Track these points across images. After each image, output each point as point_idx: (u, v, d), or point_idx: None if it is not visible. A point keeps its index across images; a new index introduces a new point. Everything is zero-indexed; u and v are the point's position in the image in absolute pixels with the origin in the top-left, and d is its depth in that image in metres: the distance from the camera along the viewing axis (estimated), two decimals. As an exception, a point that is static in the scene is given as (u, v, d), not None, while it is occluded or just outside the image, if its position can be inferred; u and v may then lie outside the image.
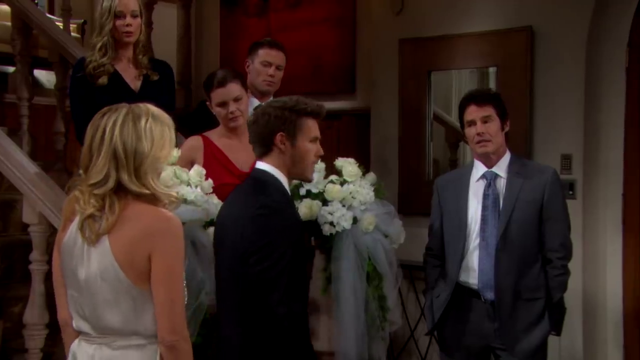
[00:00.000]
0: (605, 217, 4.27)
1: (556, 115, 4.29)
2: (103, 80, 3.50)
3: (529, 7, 4.39)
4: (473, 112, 3.18)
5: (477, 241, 3.22)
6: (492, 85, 5.02)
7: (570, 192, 4.21)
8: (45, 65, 5.46)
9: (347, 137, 5.32)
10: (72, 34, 5.67)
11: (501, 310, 3.18)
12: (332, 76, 5.42)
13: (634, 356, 4.24)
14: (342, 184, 3.53)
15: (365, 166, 3.70)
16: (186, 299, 2.30)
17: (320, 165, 3.57)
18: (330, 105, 5.34)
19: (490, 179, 3.24)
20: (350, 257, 3.45)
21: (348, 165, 3.58)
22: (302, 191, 3.49)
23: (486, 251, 3.19)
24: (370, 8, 5.13)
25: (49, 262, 3.40)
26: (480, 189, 3.25)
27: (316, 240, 3.57)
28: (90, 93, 3.49)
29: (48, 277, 3.42)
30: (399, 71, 4.89)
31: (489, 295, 3.20)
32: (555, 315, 3.24)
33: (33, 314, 3.33)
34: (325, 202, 3.47)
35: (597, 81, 4.22)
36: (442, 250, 3.38)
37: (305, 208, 3.44)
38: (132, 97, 3.44)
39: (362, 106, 5.25)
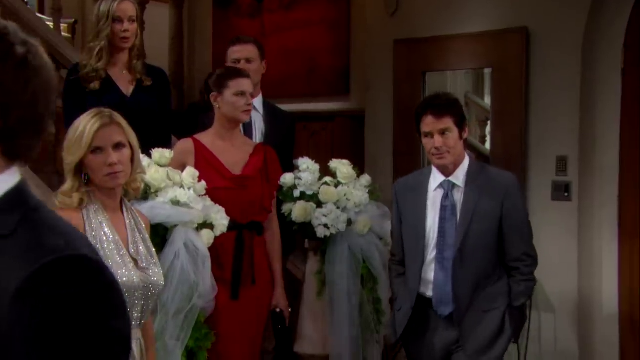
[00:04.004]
0: (600, 219, 4.28)
1: (551, 117, 4.30)
2: (95, 85, 3.51)
3: (525, 8, 4.40)
4: (430, 124, 3.05)
5: (434, 254, 3.12)
6: (487, 86, 5.05)
7: (566, 194, 4.23)
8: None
9: (341, 139, 5.33)
10: (63, 33, 5.66)
11: (460, 324, 3.09)
12: (326, 77, 5.43)
13: (630, 359, 4.25)
14: (336, 185, 3.54)
15: (359, 168, 3.71)
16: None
17: (315, 167, 3.59)
18: (324, 106, 5.45)
19: (447, 189, 3.13)
20: (345, 260, 3.46)
21: (342, 167, 3.59)
22: (297, 193, 3.51)
23: (442, 265, 3.10)
24: (365, 9, 5.14)
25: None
26: (437, 198, 3.14)
27: (310, 242, 3.59)
28: (82, 97, 3.50)
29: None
30: (394, 72, 4.90)
31: (444, 310, 3.11)
32: (516, 323, 3.14)
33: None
34: (319, 204, 3.48)
35: (593, 82, 4.24)
36: (405, 257, 3.28)
37: (299, 210, 3.46)
38: (124, 101, 3.45)
39: (357, 107, 5.26)
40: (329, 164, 3.63)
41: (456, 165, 3.11)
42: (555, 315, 4.26)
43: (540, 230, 4.27)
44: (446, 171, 3.12)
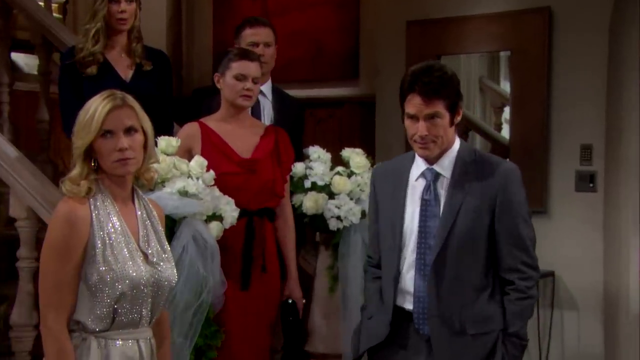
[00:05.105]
0: (627, 210, 4.30)
1: (575, 103, 4.33)
2: (92, 70, 3.52)
3: (547, -14, 4.42)
4: (417, 106, 2.65)
5: (413, 257, 2.73)
6: (503, 70, 5.05)
7: (591, 185, 4.26)
8: (23, 48, 5.45)
9: (350, 127, 5.34)
10: (54, 14, 5.67)
11: (439, 349, 2.68)
12: (333, 61, 5.43)
13: (657, 358, 4.29)
14: (349, 175, 3.55)
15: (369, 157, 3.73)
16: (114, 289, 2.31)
17: (326, 156, 3.60)
18: (331, 92, 5.44)
19: (430, 180, 2.75)
20: (358, 254, 3.47)
21: (356, 156, 3.59)
22: (307, 183, 3.52)
23: (423, 272, 2.71)
24: (375, -12, 5.16)
25: (38, 258, 3.43)
26: (418, 190, 2.77)
27: (322, 235, 3.61)
28: (78, 82, 3.52)
29: (36, 277, 3.45)
30: (406, 56, 4.92)
31: (427, 328, 2.71)
32: (512, 351, 2.69)
33: (21, 314, 3.34)
34: (331, 196, 3.49)
35: (620, 66, 4.26)
36: (381, 259, 2.90)
37: (310, 202, 3.47)
38: (123, 87, 3.45)
39: (366, 93, 5.28)
40: (341, 153, 3.63)
41: (443, 150, 2.74)
42: (578, 313, 4.29)
43: (563, 223, 4.34)
44: (430, 158, 2.75)
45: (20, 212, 3.32)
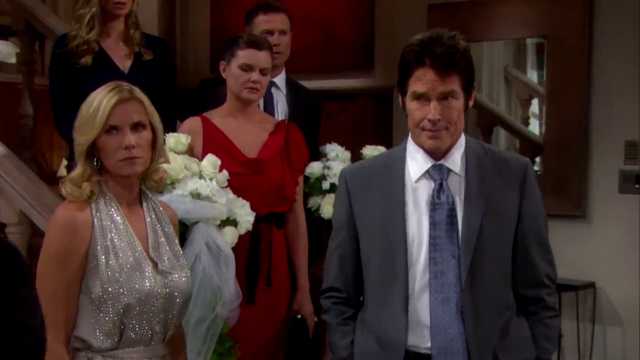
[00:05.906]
0: (677, 214, 4.32)
1: (619, 96, 4.34)
2: (86, 60, 3.55)
3: (587, -34, 4.44)
4: (429, 82, 2.36)
5: (426, 279, 2.42)
6: (531, 59, 5.07)
7: (637, 186, 4.28)
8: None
9: (364, 121, 5.35)
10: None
11: None
12: (346, 50, 5.44)
13: None
14: (371, 176, 3.57)
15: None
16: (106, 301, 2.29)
17: (345, 155, 3.63)
18: (344, 83, 5.45)
19: (440, 179, 2.46)
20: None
21: (378, 154, 3.62)
22: (325, 185, 3.54)
23: (442, 296, 2.41)
24: (393, -32, 5.17)
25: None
26: (423, 193, 2.47)
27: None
28: (71, 74, 3.54)
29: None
30: (427, 43, 4.92)
31: None
32: None
33: (11, 330, 3.36)
34: (352, 198, 3.51)
35: (668, 55, 4.28)
36: (356, 292, 2.58)
37: (329, 205, 3.49)
38: (121, 78, 3.46)
39: (382, 85, 5.28)
40: (362, 151, 3.66)
41: (452, 142, 2.47)
42: (623, 329, 4.31)
43: (604, 229, 4.35)
44: (439, 151, 2.46)
45: (11, 217, 3.33)
